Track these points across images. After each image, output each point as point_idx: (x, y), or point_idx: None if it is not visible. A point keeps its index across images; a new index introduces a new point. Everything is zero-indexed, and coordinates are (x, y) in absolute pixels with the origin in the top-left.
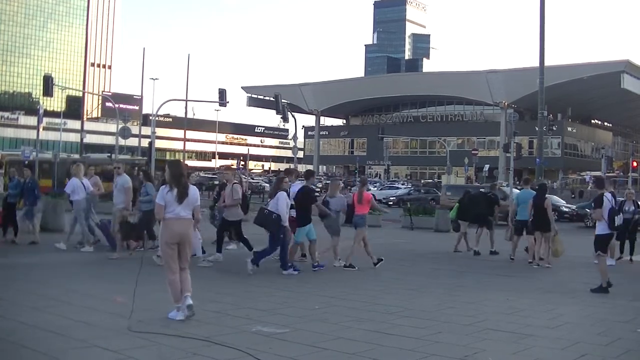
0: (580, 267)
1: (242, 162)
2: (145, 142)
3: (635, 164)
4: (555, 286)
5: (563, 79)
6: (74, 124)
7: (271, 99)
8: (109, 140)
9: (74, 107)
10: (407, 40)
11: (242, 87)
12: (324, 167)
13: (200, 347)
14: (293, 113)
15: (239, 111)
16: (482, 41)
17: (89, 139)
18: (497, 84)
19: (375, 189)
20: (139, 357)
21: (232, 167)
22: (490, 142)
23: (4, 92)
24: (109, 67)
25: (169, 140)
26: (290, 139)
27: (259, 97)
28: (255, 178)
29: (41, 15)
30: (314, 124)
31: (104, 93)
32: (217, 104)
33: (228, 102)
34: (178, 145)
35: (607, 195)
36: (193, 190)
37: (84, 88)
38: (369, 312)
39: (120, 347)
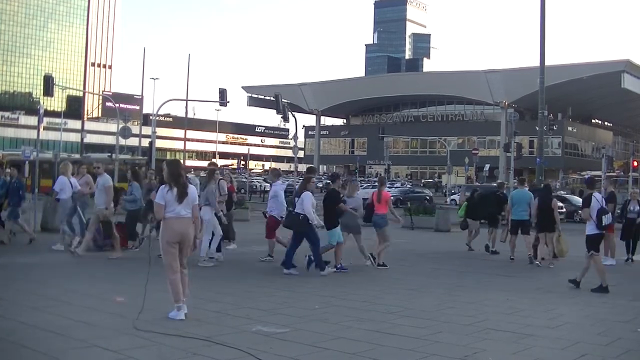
0: (581, 267)
1: (242, 162)
2: (145, 142)
3: (635, 163)
4: (555, 286)
5: (563, 78)
6: (75, 123)
7: (271, 98)
8: (109, 140)
9: (75, 107)
10: (408, 40)
11: (242, 87)
12: (324, 166)
13: (201, 347)
14: (293, 113)
15: (239, 111)
16: (482, 41)
17: (90, 138)
18: (497, 83)
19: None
20: (139, 357)
21: (215, 163)
22: (490, 141)
23: (5, 92)
24: (110, 67)
25: (170, 140)
26: (291, 139)
27: (260, 96)
28: (250, 177)
29: (42, 15)
30: (314, 124)
31: (104, 93)
32: (218, 103)
33: (228, 102)
34: (178, 145)
35: (596, 195)
36: (192, 189)
37: (84, 88)
38: (369, 312)
39: (120, 347)
